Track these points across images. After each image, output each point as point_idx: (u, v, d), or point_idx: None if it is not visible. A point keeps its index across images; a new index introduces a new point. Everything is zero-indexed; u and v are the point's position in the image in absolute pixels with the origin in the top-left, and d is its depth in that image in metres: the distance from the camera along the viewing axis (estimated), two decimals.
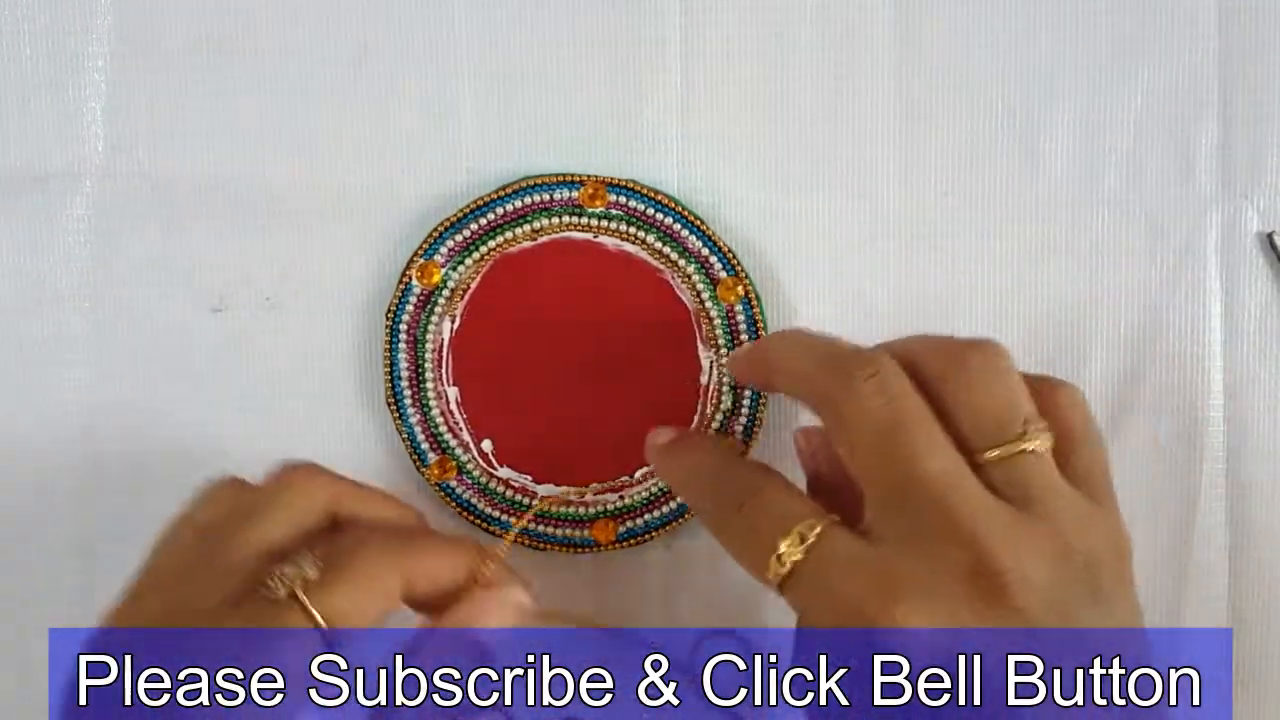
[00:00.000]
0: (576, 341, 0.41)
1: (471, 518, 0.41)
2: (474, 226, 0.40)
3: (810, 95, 0.41)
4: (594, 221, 0.40)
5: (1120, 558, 0.32)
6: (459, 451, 0.41)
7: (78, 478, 0.41)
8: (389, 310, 0.40)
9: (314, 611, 0.31)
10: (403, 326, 0.40)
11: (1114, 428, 0.41)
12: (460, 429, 0.41)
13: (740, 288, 0.40)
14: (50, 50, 0.41)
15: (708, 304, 0.40)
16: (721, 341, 0.40)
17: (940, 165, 0.41)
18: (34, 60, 0.41)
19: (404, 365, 0.40)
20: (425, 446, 0.41)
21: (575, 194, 0.40)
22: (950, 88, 0.41)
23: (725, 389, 0.41)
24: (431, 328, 0.40)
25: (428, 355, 0.40)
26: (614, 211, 0.40)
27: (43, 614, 0.41)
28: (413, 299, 0.40)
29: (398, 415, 0.40)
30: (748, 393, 0.40)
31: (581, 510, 0.41)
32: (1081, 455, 0.32)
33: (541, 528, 0.41)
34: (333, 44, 0.41)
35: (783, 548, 0.31)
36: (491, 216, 0.40)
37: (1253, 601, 0.41)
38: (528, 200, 0.40)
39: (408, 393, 0.40)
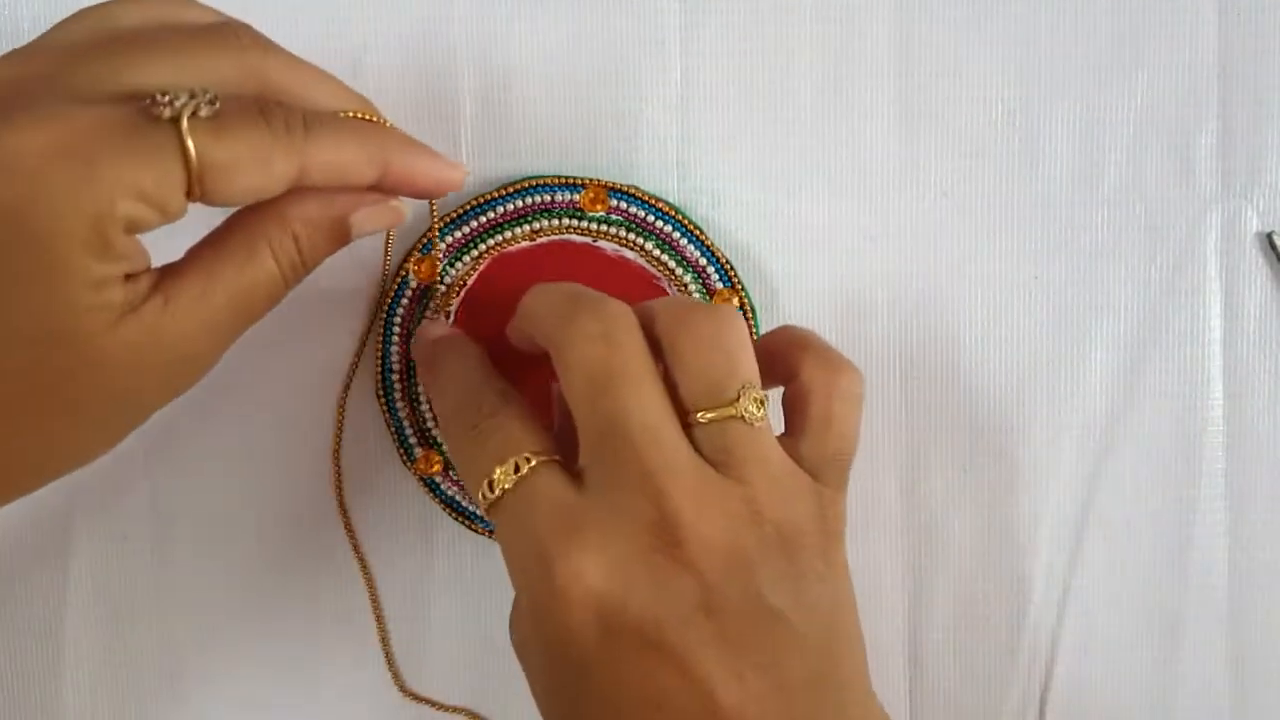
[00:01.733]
0: None
1: (454, 514, 0.40)
2: (473, 224, 0.40)
3: (810, 95, 0.41)
4: (594, 225, 0.40)
5: (828, 537, 0.31)
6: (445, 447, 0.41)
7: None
8: (383, 303, 0.40)
9: (189, 143, 0.27)
10: (396, 320, 0.40)
11: (1113, 428, 0.41)
12: None
13: (735, 300, 0.40)
14: None
15: None
16: None
17: (940, 165, 0.41)
18: None
19: (395, 359, 0.40)
20: (412, 440, 0.40)
21: (576, 197, 0.40)
22: (950, 88, 0.41)
23: None
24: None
25: None
26: (614, 217, 0.40)
27: None
28: (408, 293, 0.40)
29: (386, 408, 0.40)
30: None
31: None
32: (819, 437, 0.31)
33: None
34: (333, 44, 0.41)
35: (496, 474, 0.30)
36: (491, 215, 0.40)
37: (1253, 601, 0.41)
38: (528, 201, 0.40)
39: (397, 386, 0.40)
